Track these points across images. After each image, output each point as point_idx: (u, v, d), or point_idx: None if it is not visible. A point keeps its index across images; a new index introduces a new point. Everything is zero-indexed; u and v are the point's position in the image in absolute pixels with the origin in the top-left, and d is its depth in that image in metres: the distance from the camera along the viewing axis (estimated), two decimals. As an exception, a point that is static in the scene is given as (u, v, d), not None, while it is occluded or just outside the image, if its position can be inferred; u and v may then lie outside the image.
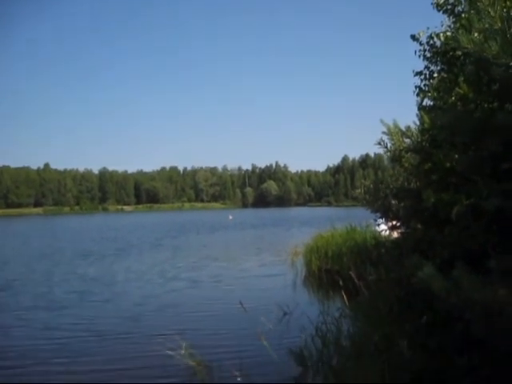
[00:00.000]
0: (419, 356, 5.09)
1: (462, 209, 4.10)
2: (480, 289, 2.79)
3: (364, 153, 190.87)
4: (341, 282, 9.18)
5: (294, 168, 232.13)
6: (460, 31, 2.47)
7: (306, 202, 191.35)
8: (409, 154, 7.23)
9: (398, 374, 4.97)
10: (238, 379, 6.60)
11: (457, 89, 5.14)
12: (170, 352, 8.01)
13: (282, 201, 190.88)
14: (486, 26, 2.30)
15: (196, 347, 8.17)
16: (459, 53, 6.44)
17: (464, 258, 5.17)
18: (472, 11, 2.38)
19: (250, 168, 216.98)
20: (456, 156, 4.61)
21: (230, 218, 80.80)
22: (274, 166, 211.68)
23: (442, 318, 4.92)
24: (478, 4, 2.30)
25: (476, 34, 2.42)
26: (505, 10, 2.62)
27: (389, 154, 7.60)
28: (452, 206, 4.26)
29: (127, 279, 17.92)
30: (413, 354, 5.12)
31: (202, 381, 7.14)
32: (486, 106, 4.33)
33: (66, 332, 10.43)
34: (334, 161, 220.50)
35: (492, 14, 2.24)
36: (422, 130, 6.68)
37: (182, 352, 7.95)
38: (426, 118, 6.33)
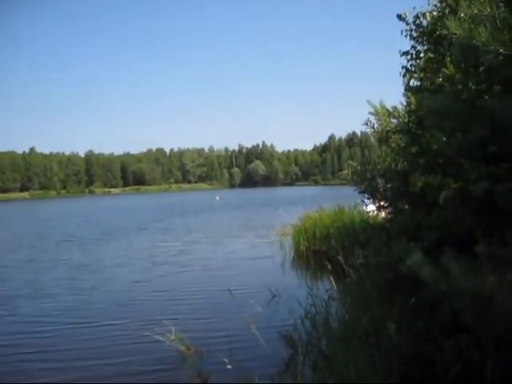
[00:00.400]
0: (407, 339, 5.10)
1: (449, 193, 4.06)
2: (469, 277, 2.76)
3: (351, 131, 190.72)
4: (329, 267, 9.18)
5: (280, 148, 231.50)
6: (448, 16, 2.40)
7: (293, 181, 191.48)
8: (396, 134, 7.20)
9: (387, 358, 4.97)
10: (228, 366, 6.58)
11: (443, 69, 5.08)
12: (159, 337, 8.00)
13: (269, 180, 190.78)
14: (476, 11, 2.24)
15: (185, 332, 8.17)
16: (445, 32, 6.38)
17: (451, 241, 5.18)
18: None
19: (236, 148, 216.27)
20: (444, 139, 4.57)
21: (217, 198, 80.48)
22: (260, 145, 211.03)
23: (430, 301, 4.92)
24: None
25: (465, 19, 2.36)
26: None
27: (376, 134, 7.57)
28: (440, 191, 4.23)
29: (114, 265, 17.76)
30: (401, 337, 5.13)
31: (191, 366, 7.12)
32: (473, 87, 4.28)
33: (53, 319, 10.36)
34: (321, 140, 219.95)
35: (482, -1, 2.18)
36: (409, 112, 6.64)
37: (172, 337, 7.94)
38: (412, 99, 6.29)
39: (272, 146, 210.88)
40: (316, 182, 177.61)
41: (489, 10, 2.19)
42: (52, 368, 7.61)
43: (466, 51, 2.54)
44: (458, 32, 2.34)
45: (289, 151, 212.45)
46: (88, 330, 9.50)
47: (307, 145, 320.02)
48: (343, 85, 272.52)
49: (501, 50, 2.23)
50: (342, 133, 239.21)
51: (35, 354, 8.20)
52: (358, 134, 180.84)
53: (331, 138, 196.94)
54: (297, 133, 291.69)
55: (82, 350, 8.39)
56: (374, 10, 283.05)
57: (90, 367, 7.56)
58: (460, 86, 4.44)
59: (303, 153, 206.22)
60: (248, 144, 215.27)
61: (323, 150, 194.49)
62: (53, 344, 8.76)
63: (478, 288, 2.80)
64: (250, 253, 19.45)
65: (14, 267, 18.01)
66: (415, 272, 3.01)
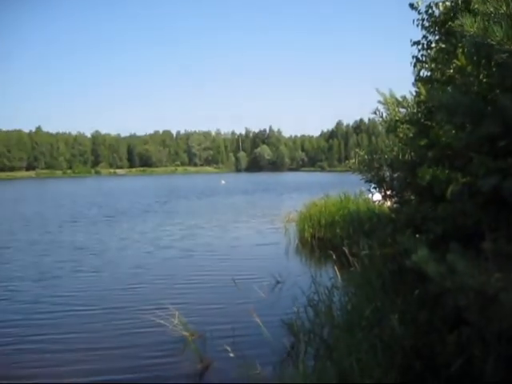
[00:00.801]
0: (410, 331, 5.12)
1: (457, 187, 4.04)
2: (474, 274, 2.75)
3: (358, 118, 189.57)
4: (334, 256, 9.19)
5: (287, 133, 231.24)
6: (463, 12, 2.36)
7: (299, 166, 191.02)
8: (404, 124, 7.15)
9: (389, 350, 4.98)
10: (230, 352, 6.62)
11: (455, 60, 5.02)
12: (162, 321, 8.03)
13: (275, 165, 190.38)
14: (491, 9, 2.20)
15: (188, 317, 8.20)
16: (460, 27, 6.30)
17: (457, 234, 5.17)
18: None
19: (243, 132, 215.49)
20: (453, 132, 4.53)
21: (223, 182, 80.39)
22: (267, 130, 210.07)
23: (433, 294, 4.93)
24: (484, -13, 2.20)
25: (479, 16, 2.32)
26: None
27: (384, 123, 7.52)
28: (448, 184, 4.21)
29: (116, 248, 17.58)
30: (404, 329, 5.14)
31: (194, 351, 7.16)
32: (484, 80, 4.23)
33: (56, 303, 10.38)
34: (329, 126, 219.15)
35: (498, -3, 2.13)
36: (419, 102, 6.59)
37: (175, 322, 7.97)
38: (422, 90, 6.23)
39: (279, 131, 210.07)
40: (322, 169, 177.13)
41: (505, 8, 2.15)
42: (53, 350, 7.65)
43: (480, 48, 2.50)
44: (472, 29, 2.30)
45: (296, 137, 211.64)
46: (90, 313, 9.53)
47: (314, 131, 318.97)
48: (352, 71, 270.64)
49: (515, 49, 2.20)
50: (349, 119, 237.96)
51: (35, 343, 8.16)
52: (366, 121, 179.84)
53: (339, 124, 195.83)
54: (304, 118, 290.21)
55: (85, 333, 8.42)
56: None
57: (91, 350, 7.59)
58: (471, 79, 4.40)
59: (310, 139, 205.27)
60: (255, 128, 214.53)
61: (330, 136, 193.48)
62: (55, 327, 8.79)
63: (483, 285, 2.80)
64: (255, 239, 19.42)
65: (15, 249, 17.84)
66: (421, 267, 3.00)
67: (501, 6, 2.16)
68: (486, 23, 2.24)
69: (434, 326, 5.01)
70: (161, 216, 28.77)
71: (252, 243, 18.35)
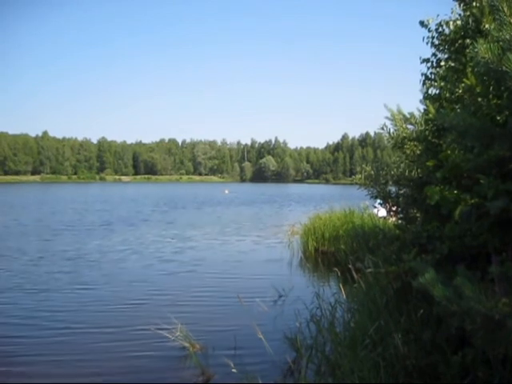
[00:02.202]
0: (413, 351, 5.08)
1: (466, 209, 4.02)
2: (482, 299, 2.73)
3: (364, 131, 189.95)
4: (338, 273, 9.15)
5: (293, 144, 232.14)
6: (479, 40, 2.36)
7: (303, 178, 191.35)
8: (411, 141, 7.15)
9: (392, 369, 4.95)
10: (232, 366, 6.57)
11: (464, 79, 5.03)
12: (164, 333, 8.01)
13: (280, 176, 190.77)
14: (507, 36, 2.19)
15: (191, 329, 8.17)
16: (468, 41, 6.30)
17: (463, 254, 5.15)
18: (493, 22, 2.26)
19: (249, 143, 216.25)
20: (462, 152, 4.52)
21: (226, 192, 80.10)
22: (273, 141, 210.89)
23: (438, 314, 4.90)
24: (500, 14, 2.19)
25: (494, 43, 2.32)
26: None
27: (391, 140, 7.51)
28: (456, 205, 4.19)
29: (116, 260, 16.91)
30: (407, 348, 5.11)
31: (196, 363, 7.13)
32: (494, 101, 4.23)
33: (57, 314, 10.28)
34: (334, 138, 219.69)
35: (513, 24, 2.13)
36: (427, 120, 6.58)
37: (177, 333, 7.95)
38: (431, 108, 6.22)
39: (285, 142, 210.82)
40: (327, 181, 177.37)
41: (520, 36, 2.15)
42: (53, 361, 7.61)
43: (492, 73, 2.49)
44: (487, 56, 2.30)
45: (301, 148, 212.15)
46: (93, 325, 9.41)
47: (320, 143, 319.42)
48: (359, 86, 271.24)
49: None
50: (355, 132, 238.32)
51: (39, 346, 8.19)
52: (372, 134, 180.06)
53: (344, 137, 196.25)
54: (310, 131, 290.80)
55: (87, 344, 8.37)
56: (392, 13, 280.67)
57: (93, 361, 7.57)
58: (480, 99, 4.39)
59: (315, 150, 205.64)
60: (261, 139, 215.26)
61: (336, 148, 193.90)
62: (56, 337, 8.75)
63: (490, 310, 2.78)
64: (258, 252, 19.31)
65: (8, 258, 17.06)
66: (427, 290, 2.98)
67: (516, 34, 2.17)
68: (501, 51, 2.24)
69: (437, 346, 4.98)
70: (162, 227, 28.13)
71: (255, 256, 18.24)
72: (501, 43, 2.27)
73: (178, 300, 11.40)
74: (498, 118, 4.03)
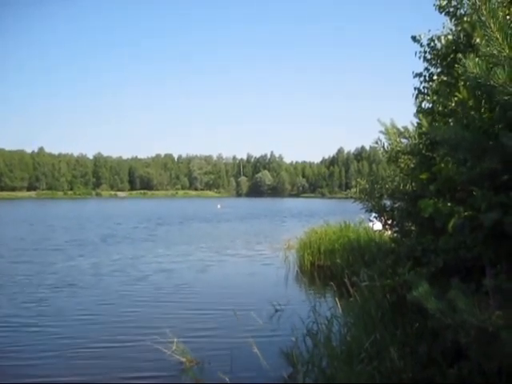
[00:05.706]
0: (409, 364, 5.07)
1: (459, 221, 4.04)
2: (475, 312, 2.74)
3: (360, 145, 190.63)
4: (335, 287, 9.14)
5: (288, 159, 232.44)
6: (469, 55, 2.39)
7: (299, 192, 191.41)
8: (405, 155, 7.20)
9: (389, 383, 4.93)
10: (227, 379, 6.54)
11: (456, 93, 5.08)
12: (160, 347, 7.98)
13: (275, 191, 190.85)
14: (495, 51, 2.23)
15: (187, 344, 8.14)
16: (460, 55, 6.37)
17: (458, 267, 5.16)
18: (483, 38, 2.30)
19: (244, 157, 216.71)
20: (455, 165, 4.55)
21: (219, 206, 79.56)
22: (268, 155, 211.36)
23: (433, 327, 4.90)
24: (487, 30, 2.22)
25: (482, 58, 2.36)
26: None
27: (385, 154, 7.57)
28: (449, 217, 4.21)
29: (112, 274, 16.98)
30: (404, 362, 5.10)
31: (191, 378, 7.10)
32: (486, 115, 4.27)
33: (54, 326, 10.33)
34: (330, 153, 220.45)
35: (500, 40, 2.16)
36: (420, 134, 6.63)
37: (173, 348, 7.92)
38: (424, 122, 6.28)
39: (280, 157, 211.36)
40: (322, 195, 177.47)
41: (507, 51, 2.18)
42: (50, 375, 7.58)
43: (482, 87, 2.53)
44: (475, 71, 2.34)
45: (297, 162, 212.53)
46: (88, 340, 9.36)
47: (316, 157, 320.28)
48: (355, 99, 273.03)
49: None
50: (351, 146, 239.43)
51: (33, 361, 8.14)
52: (367, 148, 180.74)
53: (340, 151, 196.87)
54: (306, 145, 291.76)
55: (82, 358, 8.33)
56: (390, 26, 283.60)
57: (89, 376, 7.52)
58: (473, 113, 4.44)
59: (311, 165, 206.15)
60: (256, 153, 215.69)
61: (331, 162, 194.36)
62: (52, 350, 8.72)
63: (484, 323, 2.78)
64: (254, 266, 19.33)
65: None
66: (421, 304, 2.99)
67: (504, 49, 2.19)
68: (489, 65, 2.28)
69: (433, 359, 4.97)
70: (158, 242, 28.05)
71: (251, 270, 18.23)
72: (489, 58, 2.31)
73: (174, 315, 11.36)
74: (490, 130, 4.07)
